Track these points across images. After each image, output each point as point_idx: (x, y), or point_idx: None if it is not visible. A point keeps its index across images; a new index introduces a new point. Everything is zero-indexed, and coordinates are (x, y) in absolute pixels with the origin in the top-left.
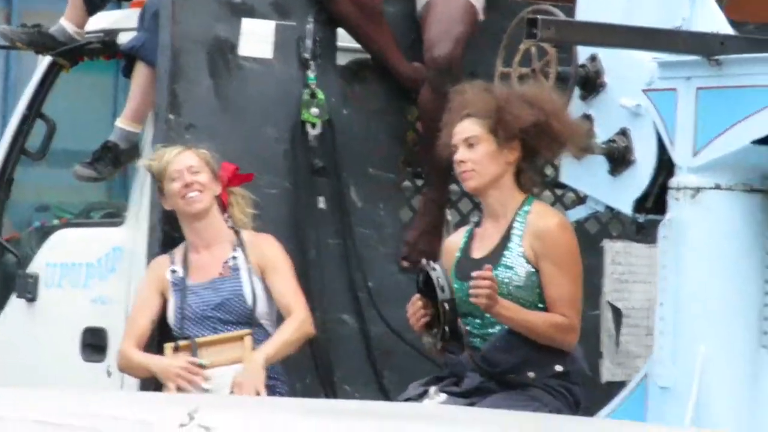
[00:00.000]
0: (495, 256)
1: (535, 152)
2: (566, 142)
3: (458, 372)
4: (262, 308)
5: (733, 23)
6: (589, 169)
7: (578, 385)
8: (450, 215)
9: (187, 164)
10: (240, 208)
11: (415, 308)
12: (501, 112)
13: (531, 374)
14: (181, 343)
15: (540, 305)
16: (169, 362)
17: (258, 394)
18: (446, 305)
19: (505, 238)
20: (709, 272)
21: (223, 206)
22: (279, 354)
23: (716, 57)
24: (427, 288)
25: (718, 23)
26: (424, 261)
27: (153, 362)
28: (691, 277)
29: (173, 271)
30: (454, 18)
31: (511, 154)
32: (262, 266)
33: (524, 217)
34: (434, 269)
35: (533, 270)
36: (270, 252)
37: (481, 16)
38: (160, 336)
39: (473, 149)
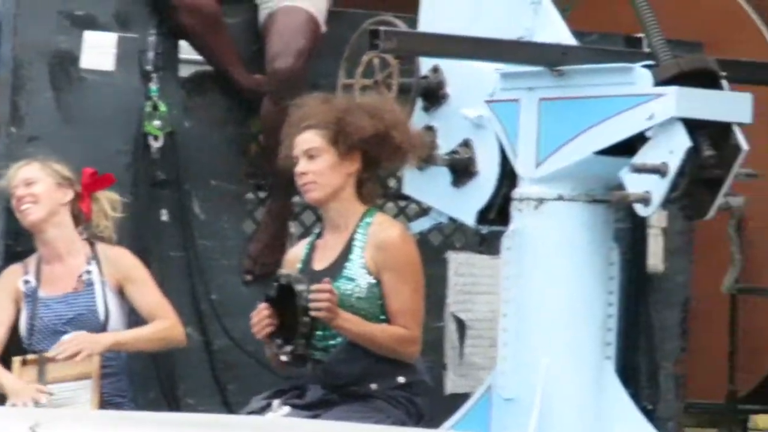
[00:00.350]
0: (336, 268)
1: (377, 163)
2: (407, 153)
3: (301, 384)
4: (115, 324)
5: (576, 34)
6: (432, 181)
7: (421, 397)
8: (293, 227)
9: (24, 177)
10: (103, 214)
11: (261, 316)
12: (341, 123)
13: (373, 386)
14: (29, 357)
15: (382, 317)
16: (21, 387)
17: (76, 354)
18: (307, 318)
19: (347, 250)
20: (552, 283)
21: (87, 215)
22: (131, 344)
23: (558, 68)
24: (279, 298)
25: (560, 34)
26: (285, 271)
27: (4, 380)
28: (534, 288)
29: (26, 282)
30: (296, 30)
31: (351, 165)
32: (119, 280)
33: (366, 228)
34: (299, 281)
35: (375, 281)
36: (126, 265)
37: (323, 28)
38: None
39: (314, 161)
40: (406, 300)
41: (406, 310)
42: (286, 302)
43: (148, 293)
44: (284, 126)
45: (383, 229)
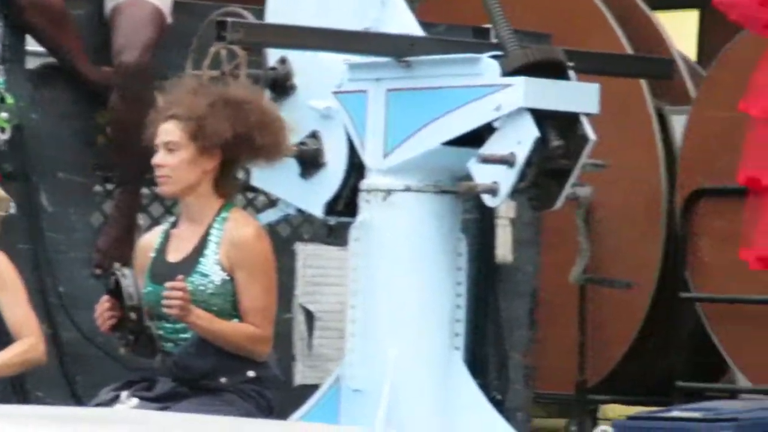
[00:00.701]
0: (191, 262)
1: (237, 161)
2: (270, 154)
3: (150, 376)
4: None
5: (424, 25)
6: (280, 172)
7: (271, 390)
8: (141, 219)
9: None
10: None
11: (103, 309)
12: (203, 121)
13: (224, 380)
14: None
15: (234, 313)
16: None
17: None
18: (133, 314)
19: (202, 245)
20: (400, 274)
21: None
22: None
23: (406, 58)
24: (117, 291)
25: (408, 25)
26: (116, 265)
27: None
28: (382, 280)
29: None
30: (141, 23)
31: (210, 162)
32: None
33: (222, 224)
34: (124, 276)
35: (228, 278)
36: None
37: (168, 19)
38: None
39: (172, 154)
40: (259, 298)
41: (258, 309)
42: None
43: (17, 304)
44: (132, 118)
45: (239, 226)
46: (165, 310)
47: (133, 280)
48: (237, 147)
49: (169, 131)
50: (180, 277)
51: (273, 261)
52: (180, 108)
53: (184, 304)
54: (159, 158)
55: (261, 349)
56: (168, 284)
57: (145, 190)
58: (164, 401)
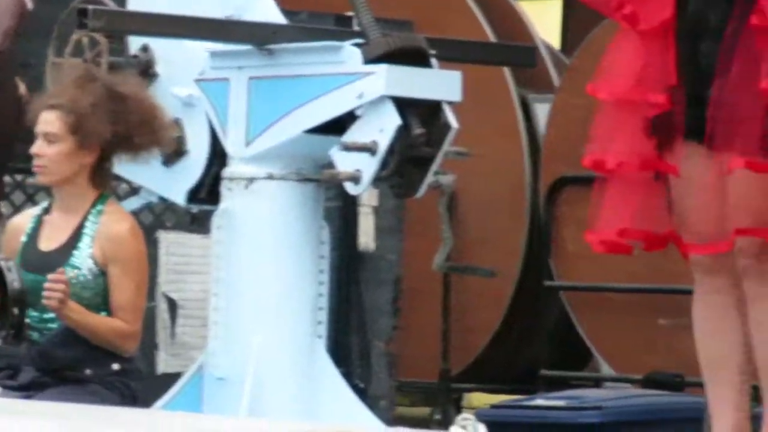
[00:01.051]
0: (64, 253)
1: (114, 154)
2: (146, 152)
3: (14, 365)
4: None
5: (286, 13)
6: (143, 161)
7: (136, 381)
8: (4, 208)
9: None
10: None
11: None
12: (84, 118)
13: (88, 371)
14: None
15: (104, 307)
16: None
17: None
18: (16, 308)
19: (76, 236)
20: (263, 262)
21: None
22: None
23: (268, 46)
24: (0, 282)
25: (270, 13)
26: (2, 256)
27: None
28: (245, 268)
29: None
30: (1, 10)
31: (88, 156)
32: None
33: (97, 216)
34: (9, 269)
35: (100, 272)
36: None
37: (29, 5)
38: None
39: (51, 145)
40: (130, 295)
41: (128, 305)
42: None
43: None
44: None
45: (114, 221)
46: (44, 301)
47: (17, 274)
48: (116, 145)
49: (49, 121)
50: (61, 270)
51: (146, 258)
52: (63, 99)
53: (65, 298)
54: (37, 148)
55: (128, 345)
56: (51, 277)
57: (7, 179)
58: (28, 390)
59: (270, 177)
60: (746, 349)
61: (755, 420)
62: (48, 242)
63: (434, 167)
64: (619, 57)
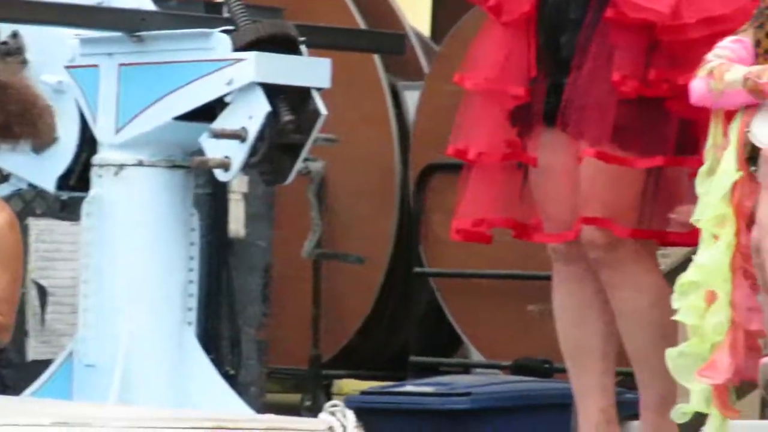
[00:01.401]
0: None
1: None
2: (27, 143)
3: None
4: None
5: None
6: (22, 150)
7: (6, 369)
8: None
9: None
10: None
11: None
12: None
13: None
14: None
15: None
16: None
17: None
18: None
19: None
20: (132, 249)
21: None
22: None
23: (137, 33)
24: None
25: None
26: None
27: None
28: (115, 254)
29: None
30: None
31: None
32: None
33: None
34: None
35: None
36: None
37: None
38: None
39: None
40: (7, 288)
41: (5, 298)
42: None
43: None
44: None
45: None
46: None
47: None
48: None
49: None
50: None
51: (22, 251)
52: None
53: None
54: None
55: (2, 337)
56: None
57: None
58: None
59: (140, 164)
60: (608, 336)
61: (624, 406)
62: None
63: (304, 154)
64: (485, 47)
